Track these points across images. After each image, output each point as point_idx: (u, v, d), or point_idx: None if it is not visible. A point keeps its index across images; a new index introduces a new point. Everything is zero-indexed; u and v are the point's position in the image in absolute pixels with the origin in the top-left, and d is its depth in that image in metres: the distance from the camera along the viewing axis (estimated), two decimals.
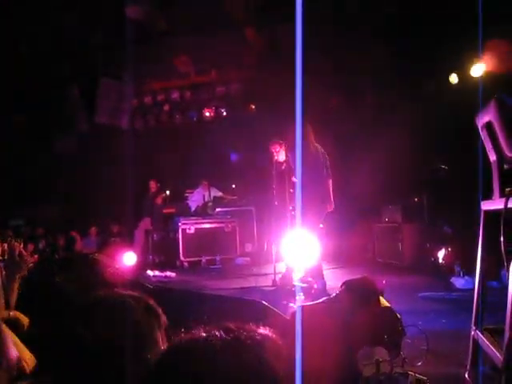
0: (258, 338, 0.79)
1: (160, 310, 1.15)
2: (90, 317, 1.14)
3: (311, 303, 2.51)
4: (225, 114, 10.96)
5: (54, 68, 9.68)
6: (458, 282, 5.87)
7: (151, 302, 1.16)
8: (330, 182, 5.78)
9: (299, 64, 0.88)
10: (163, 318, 1.15)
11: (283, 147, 6.05)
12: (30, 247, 8.57)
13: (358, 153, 8.28)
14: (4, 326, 1.56)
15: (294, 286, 5.69)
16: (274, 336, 0.83)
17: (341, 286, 2.52)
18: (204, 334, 0.78)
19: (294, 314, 2.56)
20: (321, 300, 2.51)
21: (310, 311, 2.31)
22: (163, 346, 1.08)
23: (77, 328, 1.17)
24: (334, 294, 2.50)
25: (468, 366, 2.61)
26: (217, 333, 0.77)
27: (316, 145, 5.78)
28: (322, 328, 2.11)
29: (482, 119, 2.60)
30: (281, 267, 6.16)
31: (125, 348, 1.04)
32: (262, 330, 0.83)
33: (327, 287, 5.43)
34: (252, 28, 9.42)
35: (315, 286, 5.51)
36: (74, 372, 1.12)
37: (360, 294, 2.43)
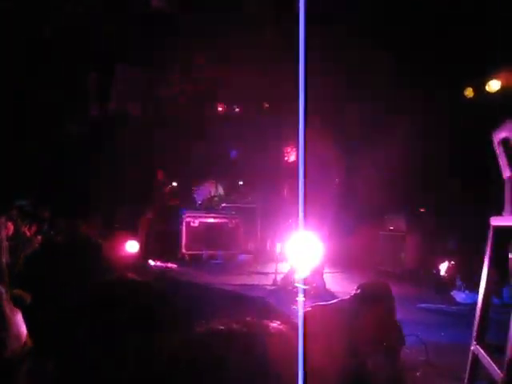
0: (272, 331, 0.80)
1: (174, 298, 1.15)
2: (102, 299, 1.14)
3: (324, 303, 2.51)
4: (237, 110, 10.95)
5: (71, 53, 9.69)
6: (459, 295, 5.86)
7: (165, 289, 1.17)
8: (335, 184, 5.77)
9: (302, 65, 0.88)
10: (176, 306, 1.15)
11: (294, 149, 6.04)
12: (34, 228, 8.57)
13: (368, 159, 8.24)
14: (12, 304, 1.58)
15: (294, 286, 5.70)
16: (287, 331, 0.83)
17: (356, 289, 2.52)
18: (222, 327, 0.78)
19: (308, 313, 2.56)
20: (335, 301, 2.52)
21: (321, 311, 2.32)
22: (173, 334, 1.08)
23: (88, 311, 1.17)
24: (348, 296, 2.51)
25: (466, 380, 2.61)
26: (234, 326, 0.78)
27: (324, 148, 5.76)
28: (327, 328, 2.12)
29: (499, 135, 2.59)
30: (283, 267, 6.16)
31: (135, 332, 1.04)
32: (277, 325, 0.83)
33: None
34: (270, 28, 9.40)
35: (314, 284, 5.51)
36: (80, 360, 1.12)
37: (371, 298, 2.42)
